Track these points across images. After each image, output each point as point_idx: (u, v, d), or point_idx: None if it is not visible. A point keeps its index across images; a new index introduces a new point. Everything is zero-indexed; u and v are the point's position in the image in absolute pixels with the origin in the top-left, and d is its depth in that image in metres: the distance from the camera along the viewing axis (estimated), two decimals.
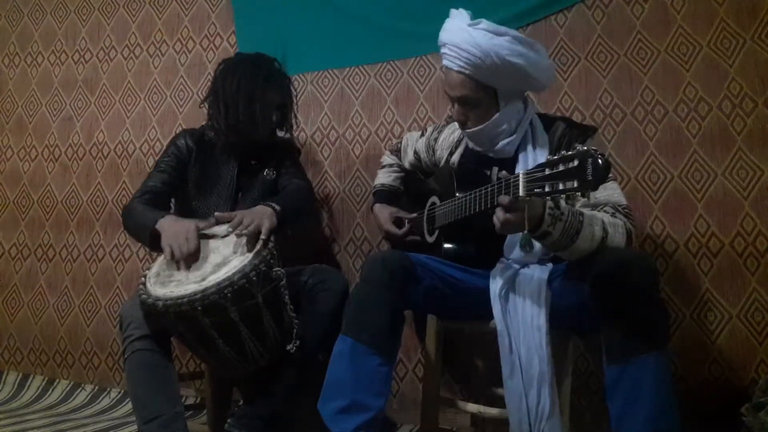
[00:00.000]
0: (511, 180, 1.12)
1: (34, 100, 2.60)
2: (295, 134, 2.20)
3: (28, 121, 2.59)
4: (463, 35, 1.37)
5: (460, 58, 1.38)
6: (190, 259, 1.40)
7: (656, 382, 1.08)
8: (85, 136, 2.49)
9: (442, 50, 1.44)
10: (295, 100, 1.82)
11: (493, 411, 1.40)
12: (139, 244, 2.24)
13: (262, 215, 1.46)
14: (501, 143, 1.45)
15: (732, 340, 1.68)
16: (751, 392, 1.55)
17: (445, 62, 1.44)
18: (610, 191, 1.32)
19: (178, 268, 1.39)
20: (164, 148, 1.78)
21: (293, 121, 1.83)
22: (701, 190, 1.76)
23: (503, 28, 1.37)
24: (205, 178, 1.74)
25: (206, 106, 1.76)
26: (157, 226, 1.48)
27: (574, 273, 1.27)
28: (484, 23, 1.37)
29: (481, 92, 1.41)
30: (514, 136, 1.44)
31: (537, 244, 1.35)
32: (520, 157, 1.44)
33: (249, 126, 1.67)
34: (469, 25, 1.38)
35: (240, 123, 1.67)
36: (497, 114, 1.42)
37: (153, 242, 1.49)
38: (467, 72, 1.38)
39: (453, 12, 1.47)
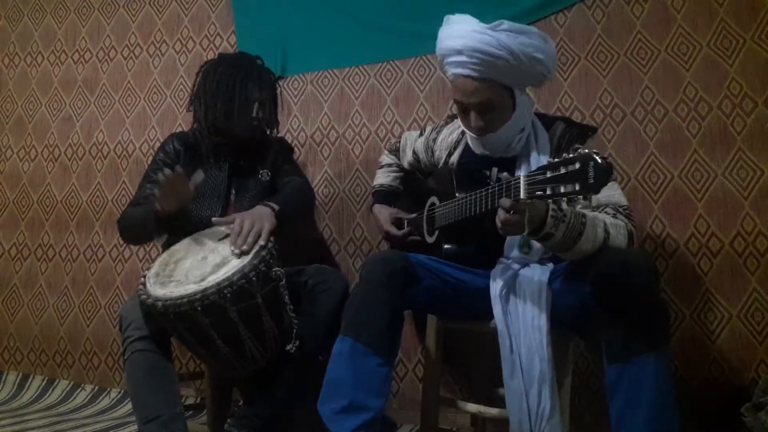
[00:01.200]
0: (512, 182, 1.12)
1: (33, 100, 2.59)
2: (295, 134, 2.21)
3: (27, 121, 2.59)
4: (485, 39, 1.31)
5: (483, 64, 1.32)
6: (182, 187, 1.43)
7: (656, 382, 1.08)
8: (85, 136, 2.49)
9: (453, 58, 1.36)
10: (279, 97, 1.79)
11: (493, 411, 1.39)
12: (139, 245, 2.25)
13: (262, 217, 1.45)
14: (513, 143, 1.43)
15: (732, 340, 1.68)
16: (751, 392, 1.55)
17: (458, 70, 1.36)
18: (611, 192, 1.32)
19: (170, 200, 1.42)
20: (153, 154, 1.78)
21: (278, 118, 1.79)
22: (701, 190, 1.76)
23: (522, 26, 1.35)
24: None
25: (192, 109, 1.75)
26: (156, 206, 1.49)
27: (575, 273, 1.27)
28: (506, 23, 1.32)
29: (502, 93, 1.37)
30: (523, 133, 1.43)
31: (535, 245, 1.35)
32: (521, 156, 1.44)
33: (227, 122, 1.66)
34: (490, 28, 1.32)
35: (218, 119, 1.66)
36: (514, 113, 1.40)
37: (159, 226, 1.50)
38: (490, 76, 1.34)
39: (452, 18, 1.42)
